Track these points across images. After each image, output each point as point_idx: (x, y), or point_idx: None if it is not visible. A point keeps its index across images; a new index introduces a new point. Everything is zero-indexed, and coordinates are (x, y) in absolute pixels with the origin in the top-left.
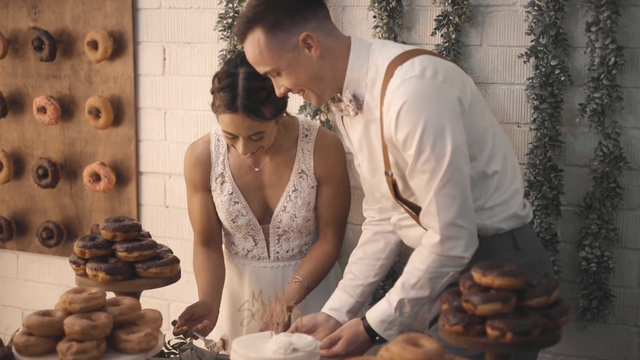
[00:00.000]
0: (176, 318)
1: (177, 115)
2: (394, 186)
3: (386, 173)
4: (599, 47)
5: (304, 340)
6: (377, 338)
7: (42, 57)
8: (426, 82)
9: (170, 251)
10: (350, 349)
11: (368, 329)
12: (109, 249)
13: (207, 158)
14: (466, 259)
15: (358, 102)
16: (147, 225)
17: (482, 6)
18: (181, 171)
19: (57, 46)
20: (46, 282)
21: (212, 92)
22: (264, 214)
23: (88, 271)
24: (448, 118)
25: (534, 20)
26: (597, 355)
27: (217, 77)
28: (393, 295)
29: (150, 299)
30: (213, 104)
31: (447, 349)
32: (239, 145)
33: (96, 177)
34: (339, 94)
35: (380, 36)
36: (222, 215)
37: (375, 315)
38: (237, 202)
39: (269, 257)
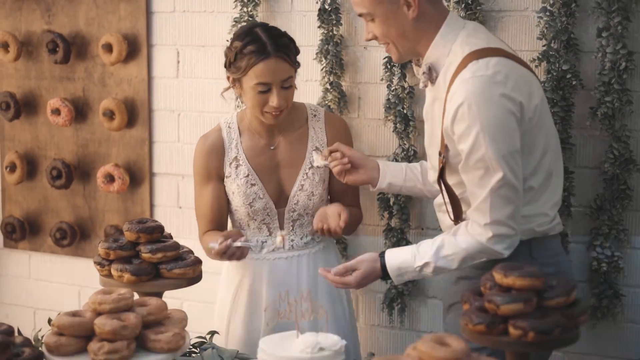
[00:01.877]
0: None
1: (191, 117)
2: (441, 168)
3: (440, 153)
4: (610, 52)
5: (330, 340)
6: (389, 281)
7: (56, 60)
8: (493, 85)
9: (192, 252)
10: (362, 283)
11: (384, 267)
12: (133, 250)
13: (220, 144)
14: (504, 255)
15: (431, 76)
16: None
17: (494, 11)
18: None
19: (71, 49)
20: (59, 282)
21: (235, 55)
22: (279, 198)
23: (113, 272)
24: (505, 124)
25: (546, 26)
26: (606, 353)
27: (236, 40)
28: (422, 254)
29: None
30: (238, 68)
31: None
32: (273, 97)
33: (110, 178)
34: (421, 59)
35: None
36: (239, 201)
37: (396, 261)
38: (254, 184)
39: (284, 246)
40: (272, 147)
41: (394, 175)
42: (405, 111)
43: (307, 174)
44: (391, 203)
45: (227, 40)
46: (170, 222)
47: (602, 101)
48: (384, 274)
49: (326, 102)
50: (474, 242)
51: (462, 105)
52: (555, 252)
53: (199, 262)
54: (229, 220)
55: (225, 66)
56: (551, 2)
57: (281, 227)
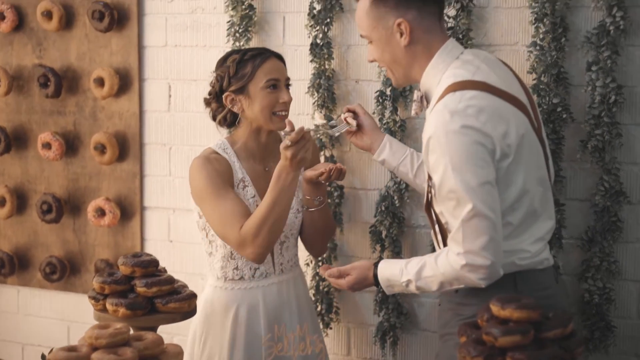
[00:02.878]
0: None
1: (182, 150)
2: (428, 196)
3: (427, 182)
4: (599, 85)
5: None
6: (380, 287)
7: (47, 94)
8: (459, 117)
9: (186, 286)
10: (354, 288)
11: (375, 277)
12: (127, 284)
13: (226, 163)
14: (482, 285)
15: (422, 104)
16: None
17: (485, 45)
18: (186, 206)
19: (62, 83)
20: (47, 317)
21: (236, 66)
22: None
23: (108, 306)
24: (473, 155)
25: (536, 60)
26: None
27: (227, 58)
28: (408, 270)
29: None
30: (243, 75)
31: None
32: (283, 93)
33: (101, 212)
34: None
35: (386, 75)
36: None
37: (385, 273)
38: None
39: (275, 271)
40: (266, 169)
41: (391, 154)
42: None
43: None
44: (383, 236)
45: (212, 72)
46: (161, 257)
47: (592, 134)
48: (376, 283)
49: (318, 135)
50: (450, 269)
51: (432, 137)
52: (543, 286)
53: (193, 296)
54: (218, 251)
55: (219, 90)
56: (541, 36)
57: (271, 252)
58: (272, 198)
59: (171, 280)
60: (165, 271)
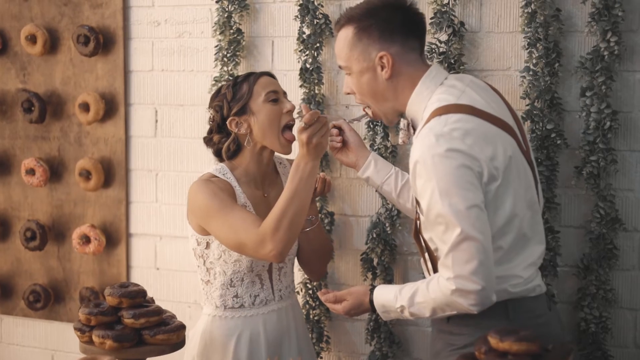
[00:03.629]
0: None
1: (169, 177)
2: (417, 223)
3: (415, 208)
4: (594, 111)
5: None
6: (376, 313)
7: (31, 119)
8: (445, 141)
9: (174, 316)
10: (351, 313)
11: (371, 302)
12: (114, 315)
13: (229, 186)
14: (474, 312)
15: (408, 132)
16: None
17: (477, 70)
18: (173, 232)
19: (47, 108)
20: (31, 346)
21: (232, 89)
22: None
23: (94, 338)
24: (460, 178)
25: (529, 85)
26: None
27: (222, 87)
28: (402, 296)
29: None
30: (242, 95)
31: None
32: (285, 103)
33: (86, 240)
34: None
35: None
36: None
37: (381, 298)
38: None
39: (274, 297)
40: (265, 195)
41: (376, 172)
42: None
43: None
44: (375, 263)
45: (207, 110)
46: (147, 284)
47: (587, 160)
48: (372, 309)
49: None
50: (440, 295)
51: (418, 162)
52: (537, 314)
53: (182, 327)
54: (216, 279)
55: (221, 120)
56: (534, 61)
57: (270, 277)
58: (290, 190)
59: (159, 311)
60: (153, 301)
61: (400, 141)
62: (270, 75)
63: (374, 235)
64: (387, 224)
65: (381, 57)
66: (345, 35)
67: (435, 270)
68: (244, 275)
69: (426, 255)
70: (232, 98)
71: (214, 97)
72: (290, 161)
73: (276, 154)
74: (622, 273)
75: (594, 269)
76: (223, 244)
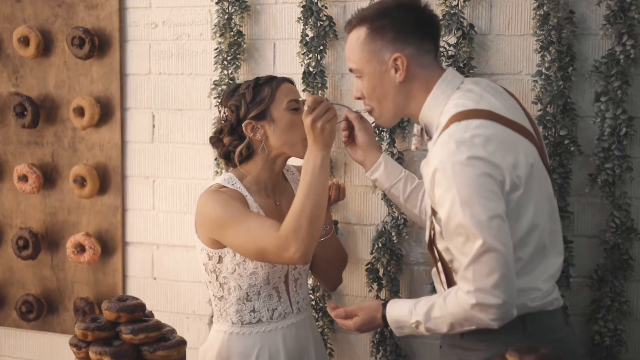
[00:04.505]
0: None
1: (167, 183)
2: (431, 233)
3: (430, 219)
4: (609, 117)
5: None
6: (389, 328)
7: (24, 124)
8: (466, 147)
9: (174, 331)
10: (362, 329)
11: (384, 317)
12: (112, 330)
13: (240, 195)
14: (494, 327)
15: (422, 138)
16: None
17: (487, 74)
18: (170, 241)
19: (40, 112)
20: (23, 357)
21: (252, 90)
22: None
23: (91, 355)
24: (482, 187)
25: (542, 90)
26: None
27: (239, 87)
28: (417, 311)
29: None
30: (263, 99)
31: None
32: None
33: (80, 248)
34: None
35: None
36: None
37: (394, 314)
38: None
39: (292, 310)
40: (277, 203)
41: (385, 175)
42: None
43: None
44: (380, 274)
45: (217, 104)
46: (144, 295)
47: (601, 168)
48: (385, 324)
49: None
50: (459, 309)
51: (437, 170)
52: (554, 329)
53: (183, 342)
54: (231, 294)
55: (236, 121)
56: (547, 65)
57: (287, 289)
58: (304, 186)
59: (159, 326)
60: (152, 315)
61: (413, 147)
62: (291, 82)
63: (380, 245)
64: (393, 233)
65: (395, 59)
66: (358, 36)
67: (449, 282)
68: (260, 289)
69: (439, 266)
70: (252, 100)
71: (230, 96)
72: (299, 167)
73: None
74: (638, 284)
75: (609, 280)
76: (241, 254)
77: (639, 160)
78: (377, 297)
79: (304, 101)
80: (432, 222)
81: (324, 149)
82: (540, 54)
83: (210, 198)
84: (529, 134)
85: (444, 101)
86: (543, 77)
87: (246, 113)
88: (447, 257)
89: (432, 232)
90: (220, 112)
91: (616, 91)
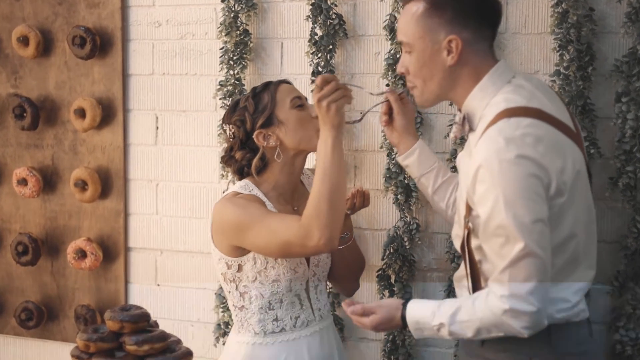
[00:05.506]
0: None
1: (170, 187)
2: (467, 234)
3: (465, 220)
4: (631, 118)
5: None
6: (407, 329)
7: (23, 126)
8: (517, 146)
9: (180, 341)
10: (379, 328)
11: (403, 318)
12: (115, 341)
13: (258, 199)
14: (524, 335)
15: (464, 127)
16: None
17: None
18: (174, 247)
19: (40, 114)
20: None
21: (253, 100)
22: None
23: None
24: (528, 189)
25: (560, 90)
26: None
27: (240, 100)
28: (441, 313)
29: None
30: (266, 105)
31: None
32: (311, 108)
33: (82, 254)
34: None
35: None
36: (285, 267)
37: (415, 314)
38: None
39: (315, 317)
40: (295, 209)
41: (418, 163)
42: (407, 181)
43: None
44: (392, 280)
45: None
46: (147, 302)
47: (622, 171)
48: (404, 324)
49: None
50: (489, 314)
51: (482, 166)
52: (579, 341)
53: (189, 353)
54: (252, 303)
55: (245, 135)
56: (565, 65)
57: (308, 296)
58: (319, 171)
59: (164, 337)
60: (157, 325)
61: (452, 135)
62: (288, 82)
63: (392, 251)
64: (405, 238)
65: (450, 41)
66: (415, 9)
67: (475, 287)
68: (282, 297)
69: (468, 269)
70: (255, 110)
71: (232, 112)
72: (314, 170)
73: None
74: None
75: (630, 288)
76: (265, 253)
77: None
78: (405, 299)
79: (305, 98)
80: (467, 221)
81: (332, 129)
82: (558, 53)
83: (226, 204)
84: (577, 139)
85: (492, 93)
86: (562, 77)
87: (253, 124)
88: (477, 257)
89: (467, 232)
90: (225, 131)
91: (638, 91)
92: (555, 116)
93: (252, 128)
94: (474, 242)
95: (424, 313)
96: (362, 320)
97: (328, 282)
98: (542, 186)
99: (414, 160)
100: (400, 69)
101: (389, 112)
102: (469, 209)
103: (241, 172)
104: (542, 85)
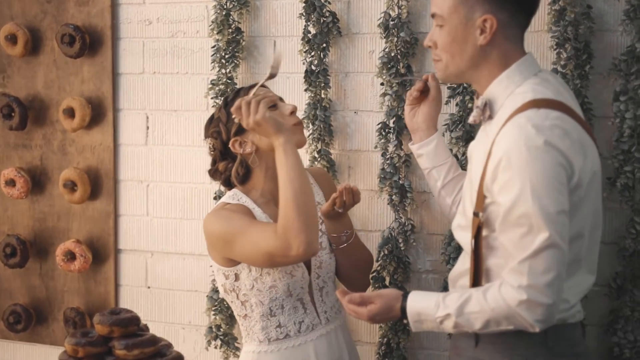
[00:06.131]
0: None
1: (161, 188)
2: (478, 229)
3: (475, 214)
4: (629, 117)
5: None
6: (406, 321)
7: (11, 126)
8: (546, 136)
9: (171, 345)
10: (376, 319)
11: (403, 309)
12: (105, 346)
13: (245, 208)
14: (535, 329)
15: (485, 112)
16: (126, 308)
17: None
18: (165, 248)
19: (28, 114)
20: None
21: (225, 109)
22: (305, 265)
23: None
24: (556, 178)
25: None
26: None
27: (216, 112)
28: (446, 304)
29: None
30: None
31: None
32: (285, 105)
33: (71, 256)
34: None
35: (389, 105)
36: (281, 272)
37: (417, 305)
38: None
39: (320, 321)
40: None
41: (433, 154)
42: (401, 182)
43: (320, 229)
44: (387, 282)
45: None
46: (137, 304)
47: (620, 171)
48: (403, 315)
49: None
50: (503, 305)
51: (509, 152)
52: (574, 342)
53: (180, 357)
54: (254, 311)
55: (223, 146)
56: (562, 63)
57: (312, 300)
58: (280, 181)
59: (154, 341)
60: (147, 329)
61: (471, 119)
62: (261, 85)
63: (386, 252)
64: (400, 240)
65: (485, 20)
66: None
67: (476, 282)
68: (283, 302)
69: (472, 265)
70: (228, 119)
71: (209, 125)
72: (311, 169)
73: None
74: None
75: (628, 289)
76: (253, 265)
77: None
78: (405, 290)
79: (280, 98)
80: (478, 216)
81: (277, 135)
82: (555, 51)
83: (212, 218)
84: (595, 141)
85: (518, 82)
86: (559, 75)
87: (228, 133)
88: (485, 249)
89: (478, 228)
90: (208, 145)
91: (636, 90)
92: (579, 114)
93: (228, 137)
94: (486, 230)
95: (427, 304)
96: (359, 310)
97: (339, 282)
98: (567, 177)
99: (430, 150)
100: (427, 42)
101: (420, 96)
102: (481, 199)
103: (228, 183)
104: (564, 84)
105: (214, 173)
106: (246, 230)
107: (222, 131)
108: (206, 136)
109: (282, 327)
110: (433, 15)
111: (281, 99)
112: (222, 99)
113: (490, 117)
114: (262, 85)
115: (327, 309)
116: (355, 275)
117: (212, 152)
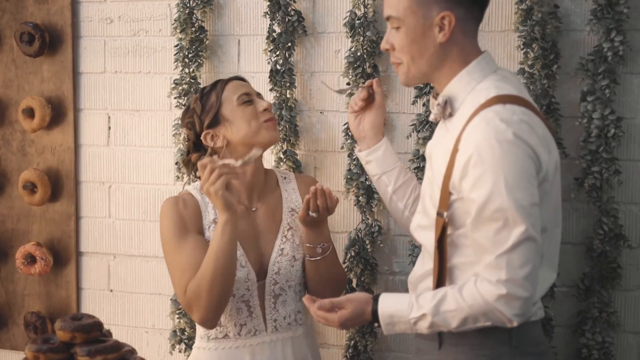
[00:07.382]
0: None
1: (123, 189)
2: (442, 230)
3: (439, 214)
4: (596, 117)
5: None
6: (377, 324)
7: None
8: (518, 130)
9: (135, 351)
10: (346, 325)
11: (374, 313)
12: (66, 352)
13: (195, 203)
14: (513, 324)
15: (445, 110)
16: (89, 311)
17: None
18: (127, 251)
19: None
20: None
21: (201, 101)
22: (260, 268)
23: None
24: (527, 172)
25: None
26: None
27: (190, 104)
28: (420, 304)
29: None
30: (212, 104)
31: None
32: (260, 102)
33: (31, 259)
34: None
35: None
36: None
37: (389, 308)
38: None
39: (266, 328)
40: (253, 209)
41: (382, 160)
42: (368, 182)
43: (285, 236)
44: (354, 284)
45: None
46: (100, 308)
47: (588, 171)
48: (374, 319)
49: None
50: (480, 301)
51: (480, 147)
52: (538, 341)
53: None
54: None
55: (195, 137)
56: (530, 63)
57: (262, 305)
58: (208, 251)
59: (118, 347)
60: (110, 335)
61: (432, 117)
62: (240, 78)
63: (353, 254)
64: (367, 241)
65: (443, 17)
66: None
67: (440, 283)
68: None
69: (436, 269)
70: (202, 110)
71: (184, 115)
72: (301, 176)
73: (277, 169)
74: (626, 294)
75: (596, 290)
76: None
77: (627, 163)
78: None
79: (258, 93)
80: (443, 216)
81: (222, 212)
82: (523, 51)
83: (164, 211)
84: (555, 137)
85: (478, 79)
86: (526, 75)
87: (201, 125)
88: (450, 248)
89: (443, 228)
90: (182, 134)
91: (603, 90)
92: (539, 111)
93: (201, 129)
94: (451, 229)
95: (400, 306)
96: (329, 316)
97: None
98: (536, 170)
99: (379, 156)
100: (384, 45)
101: (367, 103)
102: (446, 197)
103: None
104: (521, 81)
105: (187, 163)
106: (176, 252)
107: (195, 122)
108: (181, 125)
109: (222, 326)
110: (387, 18)
111: (259, 95)
112: (185, 98)
113: (451, 115)
114: (243, 80)
115: (279, 318)
116: (325, 291)
117: (185, 142)
